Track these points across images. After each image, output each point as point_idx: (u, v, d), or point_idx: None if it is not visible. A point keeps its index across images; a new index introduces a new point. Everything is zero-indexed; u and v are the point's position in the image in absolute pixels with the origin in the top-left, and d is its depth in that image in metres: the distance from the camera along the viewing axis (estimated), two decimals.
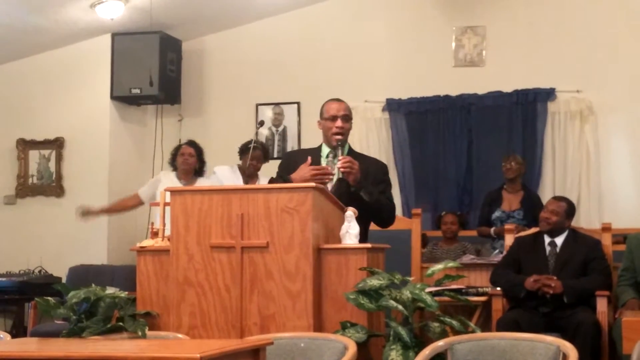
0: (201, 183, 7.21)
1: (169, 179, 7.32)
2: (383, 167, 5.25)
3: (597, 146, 8.28)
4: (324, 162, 5.08)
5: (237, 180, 7.21)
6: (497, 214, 7.50)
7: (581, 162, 8.27)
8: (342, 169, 4.86)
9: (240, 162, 7.42)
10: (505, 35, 8.58)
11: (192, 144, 7.50)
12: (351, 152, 5.14)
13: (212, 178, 7.25)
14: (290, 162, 5.16)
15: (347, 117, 5.08)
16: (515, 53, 8.51)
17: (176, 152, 7.47)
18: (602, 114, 8.30)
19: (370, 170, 5.07)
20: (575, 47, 8.36)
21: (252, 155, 7.02)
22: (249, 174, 7.29)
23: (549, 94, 8.38)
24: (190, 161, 7.35)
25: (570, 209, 6.18)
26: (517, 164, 7.56)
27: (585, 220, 8.00)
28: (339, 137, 5.03)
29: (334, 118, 5.06)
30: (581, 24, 8.40)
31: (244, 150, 7.38)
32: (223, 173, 7.32)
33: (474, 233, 7.82)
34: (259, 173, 7.32)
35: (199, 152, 7.44)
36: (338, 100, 5.16)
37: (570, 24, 8.43)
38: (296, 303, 4.57)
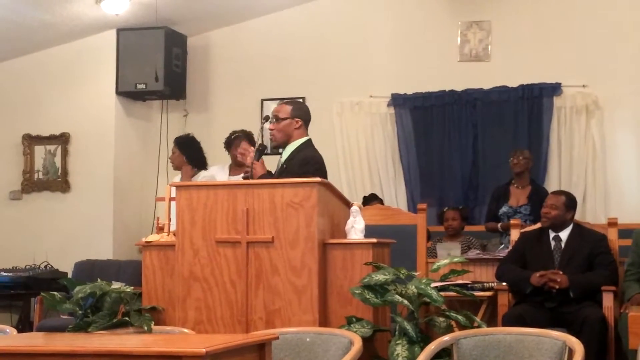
0: (199, 176, 7.30)
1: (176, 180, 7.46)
2: (301, 160, 5.20)
3: (603, 141, 8.26)
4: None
5: (222, 176, 7.35)
6: (504, 209, 7.50)
7: (587, 157, 8.26)
8: (244, 176, 5.26)
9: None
10: (510, 30, 8.56)
11: (174, 141, 7.56)
12: (295, 150, 5.24)
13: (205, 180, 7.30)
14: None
15: (277, 118, 5.26)
16: (520, 48, 8.50)
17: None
18: (608, 108, 8.28)
19: (293, 164, 5.15)
20: (581, 42, 8.34)
21: (237, 144, 7.22)
22: (238, 164, 7.36)
23: (554, 89, 8.37)
24: (172, 159, 7.45)
25: (569, 202, 6.15)
26: (524, 159, 7.55)
27: (591, 215, 8.00)
28: (270, 137, 5.33)
29: (270, 120, 5.31)
30: (587, 18, 8.38)
31: (229, 143, 7.48)
32: (211, 171, 7.49)
33: (479, 228, 7.82)
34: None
35: (180, 146, 7.45)
36: (278, 104, 5.41)
37: (576, 19, 8.41)
38: (302, 298, 4.58)
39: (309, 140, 5.34)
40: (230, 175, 7.36)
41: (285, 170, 5.13)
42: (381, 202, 8.14)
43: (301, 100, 8.87)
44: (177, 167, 7.44)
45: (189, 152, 7.45)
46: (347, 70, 8.79)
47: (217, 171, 7.50)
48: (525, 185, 7.57)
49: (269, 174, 5.25)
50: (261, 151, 5.36)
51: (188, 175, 7.32)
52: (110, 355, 3.33)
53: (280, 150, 5.42)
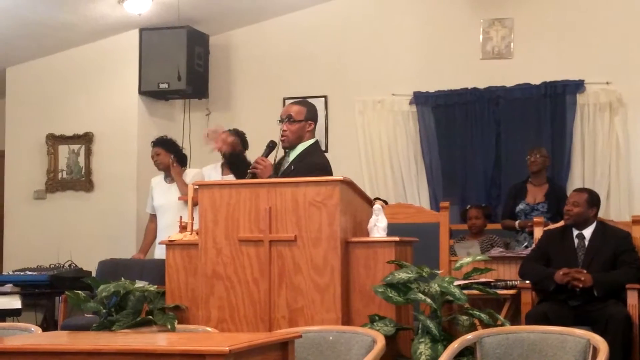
0: (189, 173, 7.38)
1: (158, 182, 7.54)
2: (310, 165, 5.13)
3: (627, 138, 8.21)
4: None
5: (215, 175, 7.37)
6: (521, 206, 7.47)
7: (611, 155, 8.21)
8: (250, 171, 5.10)
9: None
10: (533, 27, 8.52)
11: (154, 143, 7.56)
12: (304, 151, 5.20)
13: (197, 176, 7.32)
14: None
15: (291, 118, 5.19)
16: (543, 45, 8.46)
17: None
18: (632, 105, 8.23)
19: (301, 167, 5.09)
20: (605, 39, 8.29)
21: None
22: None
23: (577, 86, 8.32)
24: (159, 159, 7.45)
25: (592, 199, 6.10)
26: (541, 157, 7.52)
27: (615, 212, 7.95)
28: (282, 138, 5.20)
29: (281, 121, 5.23)
30: (610, 14, 8.32)
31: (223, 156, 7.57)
32: (206, 171, 7.52)
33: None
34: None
35: (164, 146, 7.48)
36: (290, 104, 5.36)
37: (599, 15, 8.36)
38: (324, 296, 4.58)
39: (317, 143, 5.35)
40: (223, 174, 7.39)
41: (293, 172, 5.07)
42: (385, 203, 8.09)
43: (323, 98, 8.90)
44: (165, 167, 7.45)
45: (176, 151, 7.51)
46: (369, 68, 8.79)
47: (211, 170, 7.53)
48: (543, 183, 7.54)
49: (276, 174, 5.20)
50: (271, 148, 5.30)
51: (179, 174, 7.36)
52: (134, 353, 3.34)
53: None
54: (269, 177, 5.06)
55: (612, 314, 5.59)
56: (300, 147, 5.21)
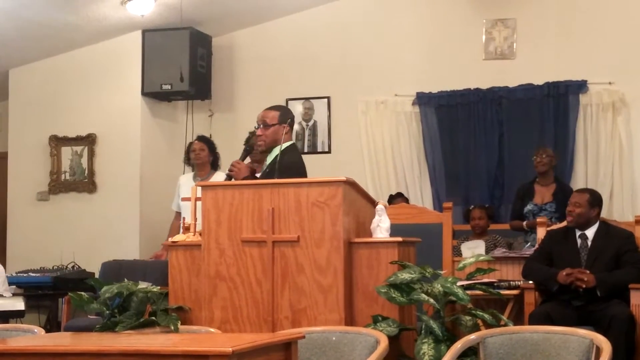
0: (217, 177, 7.35)
1: (187, 180, 7.53)
2: (283, 166, 5.16)
3: (629, 138, 8.21)
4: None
5: None
6: (529, 207, 7.47)
7: (614, 155, 8.20)
8: (227, 174, 5.28)
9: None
10: (536, 27, 8.52)
11: (201, 138, 7.66)
12: (281, 154, 5.21)
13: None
14: None
15: (266, 124, 5.28)
16: (546, 45, 8.45)
17: (188, 150, 7.66)
18: (635, 105, 8.23)
19: (276, 169, 5.12)
20: (607, 39, 8.29)
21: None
22: (256, 160, 7.47)
23: (580, 86, 8.32)
24: (201, 155, 7.48)
25: (593, 199, 6.09)
26: (548, 157, 7.51)
27: (619, 212, 7.95)
28: (259, 142, 5.34)
29: (258, 127, 5.33)
30: (613, 15, 8.32)
31: (248, 140, 7.59)
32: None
33: (505, 226, 7.78)
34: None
35: (209, 145, 7.54)
36: (265, 109, 5.41)
37: (601, 15, 8.35)
38: (327, 297, 4.59)
39: (294, 145, 5.44)
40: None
41: (268, 175, 5.11)
42: (407, 200, 8.15)
43: (326, 99, 8.90)
44: (203, 163, 7.47)
45: (215, 154, 7.54)
46: (372, 69, 8.79)
47: None
48: (550, 182, 7.54)
49: (252, 176, 5.28)
50: (248, 152, 5.44)
51: (206, 175, 7.38)
52: (137, 354, 3.34)
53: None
54: (245, 178, 5.17)
55: (615, 314, 5.58)
56: (277, 150, 5.24)
